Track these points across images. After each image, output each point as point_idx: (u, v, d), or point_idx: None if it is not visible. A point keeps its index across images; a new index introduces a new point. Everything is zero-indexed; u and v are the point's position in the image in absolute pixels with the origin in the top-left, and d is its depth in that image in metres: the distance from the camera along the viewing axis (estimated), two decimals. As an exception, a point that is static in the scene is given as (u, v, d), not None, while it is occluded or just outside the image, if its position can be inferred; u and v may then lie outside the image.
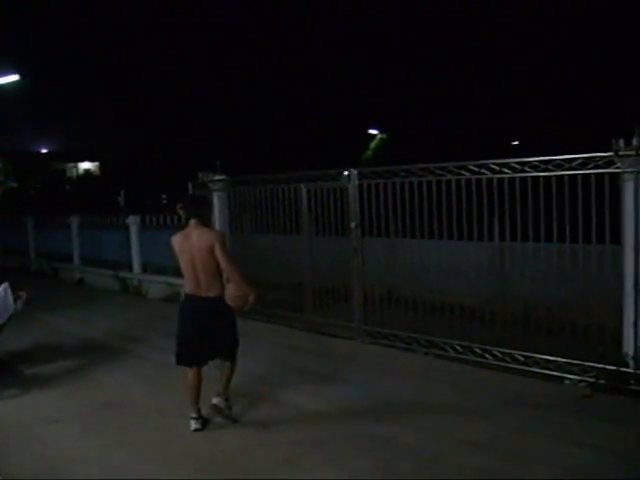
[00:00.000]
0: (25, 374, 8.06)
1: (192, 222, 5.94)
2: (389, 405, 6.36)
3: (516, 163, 7.04)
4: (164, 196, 36.33)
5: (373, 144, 43.51)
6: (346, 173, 8.79)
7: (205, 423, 5.98)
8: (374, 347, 8.50)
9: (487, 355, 7.44)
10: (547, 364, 6.92)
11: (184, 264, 5.92)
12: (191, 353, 6.00)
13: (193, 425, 5.89)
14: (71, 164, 47.08)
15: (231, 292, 5.80)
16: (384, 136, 43.04)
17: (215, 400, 6.10)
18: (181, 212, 6.19)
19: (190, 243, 5.82)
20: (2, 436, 6.01)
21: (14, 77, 21.22)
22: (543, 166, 6.82)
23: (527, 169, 6.96)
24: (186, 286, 6.01)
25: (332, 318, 9.21)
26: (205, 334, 5.91)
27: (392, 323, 8.42)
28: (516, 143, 38.15)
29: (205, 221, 6.18)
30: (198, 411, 5.94)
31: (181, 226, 11.09)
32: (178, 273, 12.23)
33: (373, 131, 44.22)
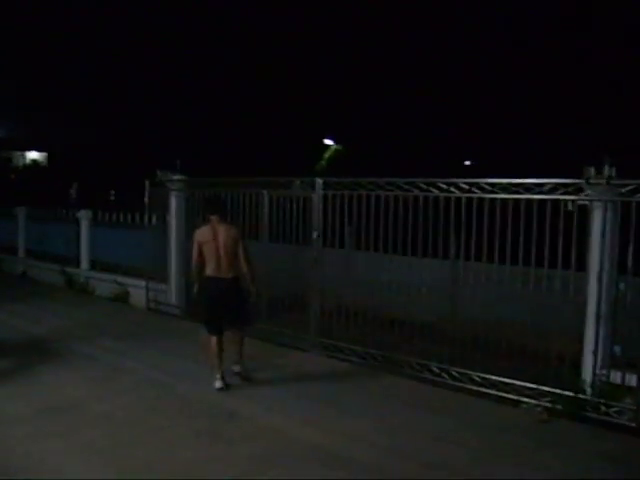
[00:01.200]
0: (-36, 371, 7.69)
1: (214, 218, 7.19)
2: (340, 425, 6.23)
3: (486, 184, 7.03)
4: (112, 192, 35.70)
5: (327, 154, 43.44)
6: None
7: (227, 385, 7.04)
8: (329, 360, 8.37)
9: (444, 374, 7.38)
10: (504, 387, 6.89)
11: (209, 251, 7.09)
12: (215, 323, 7.16)
13: (218, 384, 6.99)
14: (18, 153, 45.86)
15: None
16: (339, 147, 43.02)
17: (236, 368, 7.43)
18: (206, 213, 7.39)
19: (216, 234, 7.09)
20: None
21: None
22: (513, 188, 6.82)
23: (496, 190, 6.96)
24: (208, 270, 7.13)
25: (286, 328, 9.05)
26: (223, 307, 7.14)
27: (346, 336, 8.32)
28: (468, 163, 38.59)
29: (226, 217, 7.48)
30: (222, 373, 7.06)
31: (135, 224, 10.95)
32: (128, 272, 12.17)
33: (328, 141, 44.16)
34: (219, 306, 7.13)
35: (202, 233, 7.22)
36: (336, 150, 43.52)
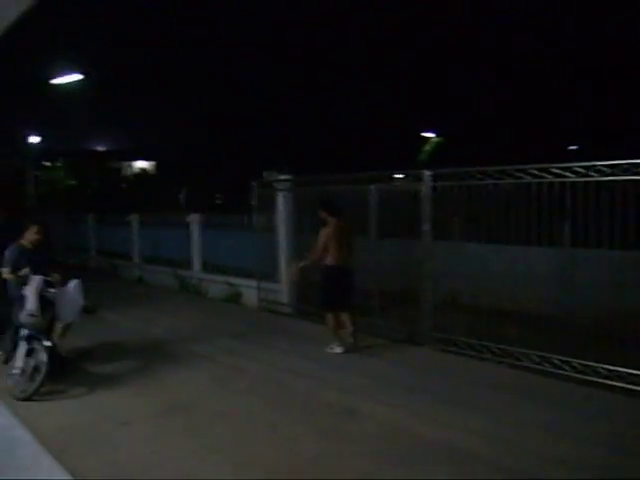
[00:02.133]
0: (90, 372, 7.97)
1: (335, 219, 8.42)
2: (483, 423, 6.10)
3: (604, 166, 6.73)
4: (218, 196, 36.47)
5: (428, 147, 42.99)
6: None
7: (347, 350, 8.41)
8: (444, 354, 8.25)
9: (566, 366, 7.12)
10: (633, 379, 6.58)
11: (337, 244, 8.33)
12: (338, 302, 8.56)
13: (338, 349, 8.45)
14: (126, 163, 47.58)
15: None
16: (440, 139, 42.48)
17: (350, 339, 8.60)
18: (324, 214, 8.53)
19: (343, 231, 8.39)
20: (71, 436, 5.90)
21: (78, 76, 21.48)
22: (635, 169, 6.50)
23: (616, 172, 6.65)
24: (332, 259, 8.36)
25: (399, 323, 8.98)
26: (346, 290, 8.53)
27: (460, 330, 8.18)
28: (574, 148, 37.32)
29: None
30: (341, 340, 8.52)
31: (243, 226, 11.11)
32: (238, 273, 12.38)
33: (428, 134, 43.69)
34: (342, 289, 8.47)
35: (334, 229, 8.39)
36: (437, 142, 43.02)
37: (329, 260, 8.39)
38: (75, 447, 5.66)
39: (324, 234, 8.39)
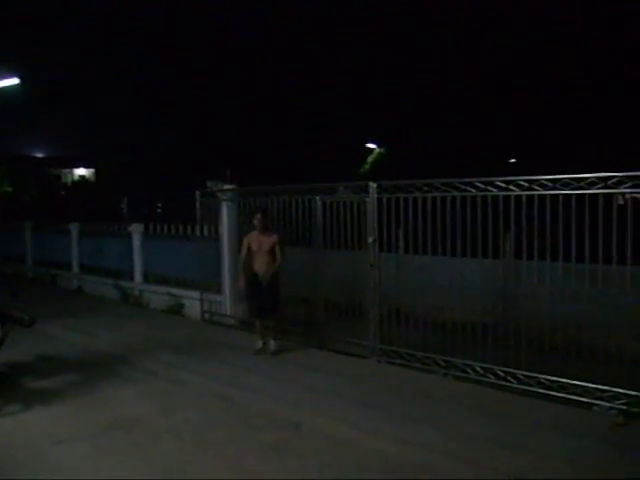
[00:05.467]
0: (26, 388, 7.69)
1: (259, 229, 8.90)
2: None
3: (547, 180, 6.83)
4: (159, 205, 36.06)
5: (371, 158, 43.33)
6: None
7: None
8: (389, 366, 8.24)
9: (509, 378, 7.18)
10: (574, 389, 6.66)
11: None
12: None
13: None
14: (66, 170, 46.72)
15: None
16: (382, 150, 42.86)
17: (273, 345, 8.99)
18: (256, 222, 8.89)
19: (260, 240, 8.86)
20: (5, 457, 5.67)
21: (14, 80, 20.96)
22: (575, 184, 6.61)
23: (558, 186, 6.75)
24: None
25: (344, 335, 8.94)
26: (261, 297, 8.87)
27: (405, 342, 8.18)
28: (513, 161, 38.09)
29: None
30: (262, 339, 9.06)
31: (186, 236, 11.01)
32: (181, 284, 12.19)
33: (371, 145, 44.06)
34: (257, 295, 8.94)
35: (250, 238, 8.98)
36: (379, 153, 43.38)
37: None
38: (9, 468, 5.44)
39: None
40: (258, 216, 8.86)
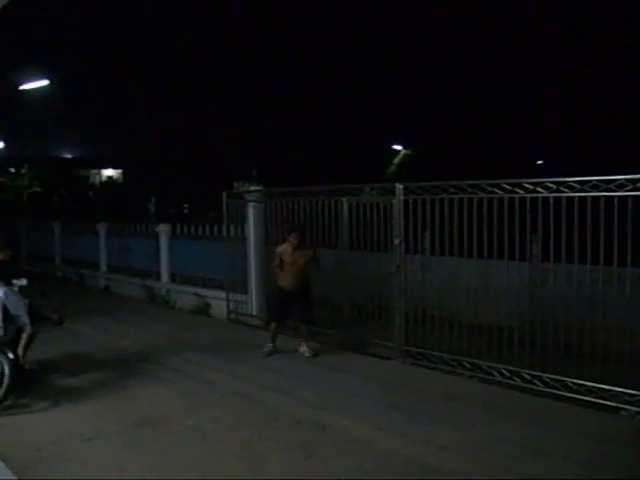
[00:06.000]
0: (55, 385, 7.78)
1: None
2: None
3: (574, 182, 6.78)
4: (186, 205, 36.24)
5: (397, 159, 43.20)
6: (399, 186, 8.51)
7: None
8: (415, 368, 8.22)
9: (536, 381, 7.13)
10: (602, 393, 6.60)
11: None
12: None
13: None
14: (94, 170, 47.19)
15: None
16: (409, 152, 42.72)
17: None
18: (292, 240, 8.75)
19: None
20: (35, 452, 5.74)
21: (44, 82, 21.25)
22: (604, 185, 6.55)
23: (586, 188, 6.70)
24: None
25: (370, 336, 8.95)
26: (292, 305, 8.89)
27: (432, 343, 8.16)
28: (540, 162, 37.80)
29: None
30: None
31: (213, 236, 11.08)
32: (207, 284, 12.26)
33: (397, 147, 43.93)
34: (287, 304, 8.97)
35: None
36: (405, 155, 43.25)
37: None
38: (38, 464, 5.51)
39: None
40: (293, 235, 8.75)
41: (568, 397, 6.80)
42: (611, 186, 6.50)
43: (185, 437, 6.06)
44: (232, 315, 11.60)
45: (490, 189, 7.50)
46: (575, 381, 6.81)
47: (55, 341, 9.17)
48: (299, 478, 5.16)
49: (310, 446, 5.77)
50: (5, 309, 7.20)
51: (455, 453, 5.56)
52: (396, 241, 8.46)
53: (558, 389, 6.93)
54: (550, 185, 6.99)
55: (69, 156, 48.76)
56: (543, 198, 7.05)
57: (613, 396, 6.53)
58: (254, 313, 11.22)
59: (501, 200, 7.39)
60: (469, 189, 7.71)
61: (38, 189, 33.02)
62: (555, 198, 6.95)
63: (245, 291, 11.35)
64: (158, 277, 14.10)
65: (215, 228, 12.22)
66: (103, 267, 16.48)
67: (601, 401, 6.58)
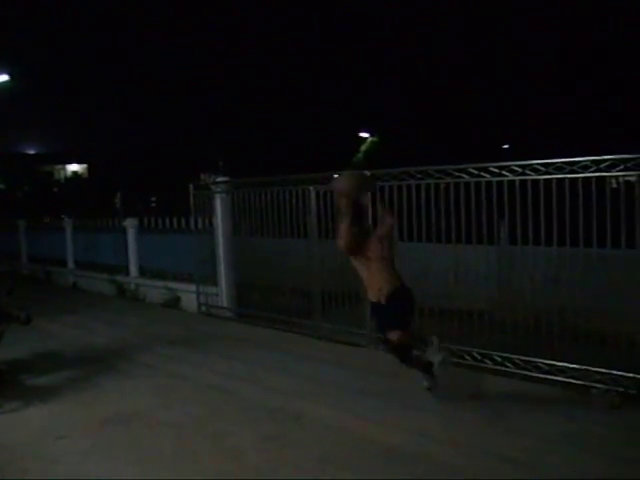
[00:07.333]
0: (25, 385, 7.69)
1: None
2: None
3: (540, 164, 6.83)
4: (153, 199, 35.99)
5: (364, 147, 43.25)
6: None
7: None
8: (387, 355, 8.23)
9: (507, 363, 7.20)
10: (572, 373, 6.68)
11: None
12: None
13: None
14: (59, 166, 46.56)
15: None
16: (375, 139, 42.81)
17: None
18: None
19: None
20: (7, 453, 5.67)
21: (4, 77, 20.92)
22: (568, 168, 6.62)
23: (551, 170, 6.76)
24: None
25: (341, 324, 8.96)
26: None
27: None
28: (506, 147, 38.13)
29: None
30: None
31: (181, 229, 11.01)
32: (177, 277, 12.20)
33: (363, 134, 43.97)
34: None
35: None
36: (372, 142, 43.30)
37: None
38: (9, 464, 5.43)
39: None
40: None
41: (540, 378, 6.87)
42: (575, 167, 6.56)
43: (159, 432, 6.01)
44: (203, 308, 11.55)
45: (457, 174, 7.54)
46: (546, 361, 6.89)
47: (24, 340, 9.03)
48: (275, 467, 5.16)
49: (285, 436, 5.77)
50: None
51: (433, 438, 5.57)
52: (364, 228, 8.45)
53: (530, 370, 7.01)
54: (515, 168, 7.04)
55: (32, 152, 48.07)
56: (509, 182, 7.11)
57: (584, 376, 6.60)
58: (225, 305, 11.18)
59: (467, 184, 7.44)
60: (435, 174, 7.75)
61: (1, 186, 32.55)
62: (521, 181, 7.01)
63: (215, 283, 11.31)
64: (127, 272, 13.98)
65: (183, 221, 12.15)
66: (71, 264, 16.32)
67: (573, 380, 6.65)
